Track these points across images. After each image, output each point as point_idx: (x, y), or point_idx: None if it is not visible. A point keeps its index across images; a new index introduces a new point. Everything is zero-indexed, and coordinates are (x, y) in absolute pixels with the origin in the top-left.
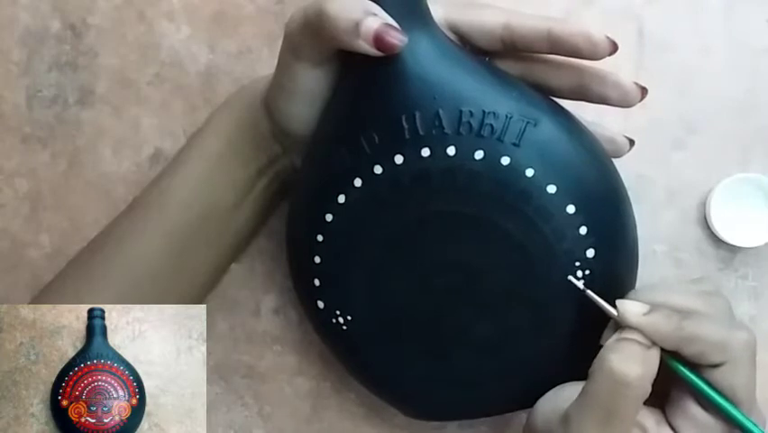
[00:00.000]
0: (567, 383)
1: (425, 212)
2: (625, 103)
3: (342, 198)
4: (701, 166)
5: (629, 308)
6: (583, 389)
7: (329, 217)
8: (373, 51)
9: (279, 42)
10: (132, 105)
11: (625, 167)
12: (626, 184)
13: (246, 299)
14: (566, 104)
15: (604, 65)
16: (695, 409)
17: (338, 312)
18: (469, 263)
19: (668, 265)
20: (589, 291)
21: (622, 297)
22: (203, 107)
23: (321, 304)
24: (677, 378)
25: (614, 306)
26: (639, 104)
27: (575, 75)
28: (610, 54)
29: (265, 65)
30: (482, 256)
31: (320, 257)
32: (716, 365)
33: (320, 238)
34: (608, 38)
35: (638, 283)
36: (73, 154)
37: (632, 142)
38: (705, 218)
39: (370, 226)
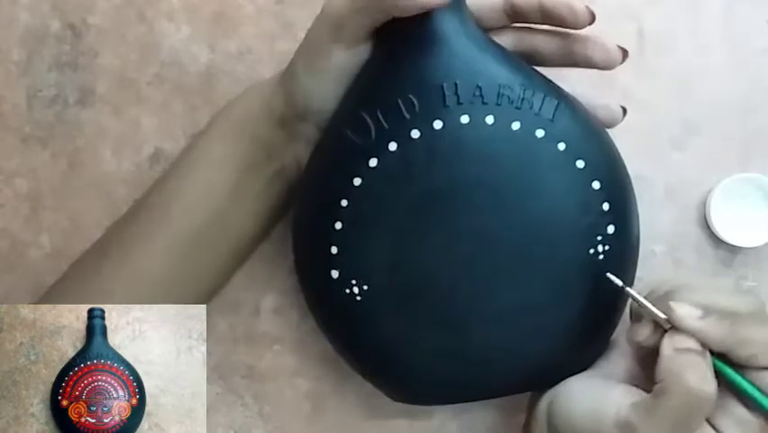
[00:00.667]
0: (578, 378)
1: (457, 179)
2: (608, 63)
3: (373, 162)
4: (701, 166)
5: (686, 311)
6: (653, 400)
7: (357, 182)
8: (432, 2)
9: (279, 42)
10: (132, 105)
11: None
12: None
13: (246, 299)
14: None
15: None
16: (739, 409)
17: (354, 282)
18: (495, 233)
19: (668, 265)
20: (631, 291)
21: (631, 276)
22: (203, 107)
23: (335, 273)
24: (719, 377)
25: (629, 291)
26: (639, 104)
27: (562, 40)
28: (590, 23)
29: (265, 65)
30: (509, 226)
31: (342, 223)
32: (765, 367)
33: (344, 203)
34: (587, 8)
35: (638, 285)
36: (73, 154)
37: (624, 111)
38: (705, 218)
39: (400, 192)
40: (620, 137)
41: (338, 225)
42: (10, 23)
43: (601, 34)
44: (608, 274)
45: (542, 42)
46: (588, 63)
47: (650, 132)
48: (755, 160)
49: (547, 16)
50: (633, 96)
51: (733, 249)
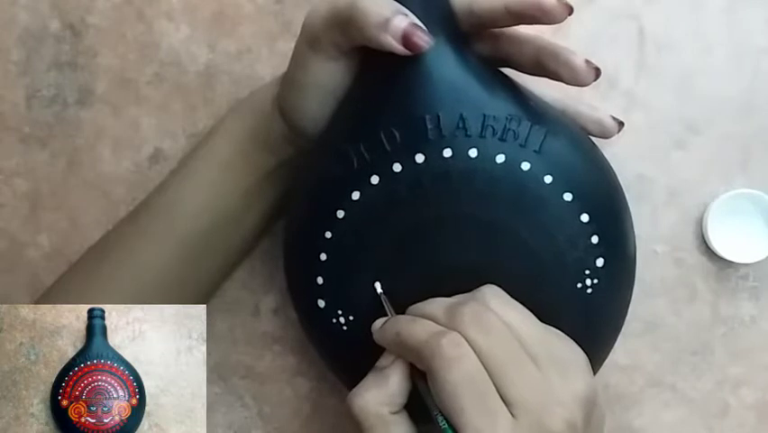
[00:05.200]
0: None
1: (440, 213)
2: (576, 82)
3: (356, 195)
4: (701, 166)
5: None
6: None
7: (340, 214)
8: (399, 49)
9: (279, 42)
10: (131, 104)
11: (625, 167)
12: (626, 184)
13: (246, 299)
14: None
15: (606, 62)
16: None
17: (340, 312)
18: (479, 267)
19: (668, 265)
20: (384, 297)
21: (626, 302)
22: (202, 107)
23: (322, 303)
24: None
25: None
26: (639, 104)
27: (533, 50)
28: (569, 14)
29: (265, 65)
30: (494, 261)
31: (326, 254)
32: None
33: (328, 235)
34: (559, 1)
35: (639, 285)
36: (72, 154)
37: (621, 124)
38: (702, 230)
39: (383, 225)
40: (621, 137)
41: (323, 257)
42: (9, 23)
43: (576, 51)
44: (377, 284)
45: (516, 52)
46: (557, 78)
47: (651, 131)
48: (756, 159)
49: (518, 18)
50: (634, 95)
51: None
